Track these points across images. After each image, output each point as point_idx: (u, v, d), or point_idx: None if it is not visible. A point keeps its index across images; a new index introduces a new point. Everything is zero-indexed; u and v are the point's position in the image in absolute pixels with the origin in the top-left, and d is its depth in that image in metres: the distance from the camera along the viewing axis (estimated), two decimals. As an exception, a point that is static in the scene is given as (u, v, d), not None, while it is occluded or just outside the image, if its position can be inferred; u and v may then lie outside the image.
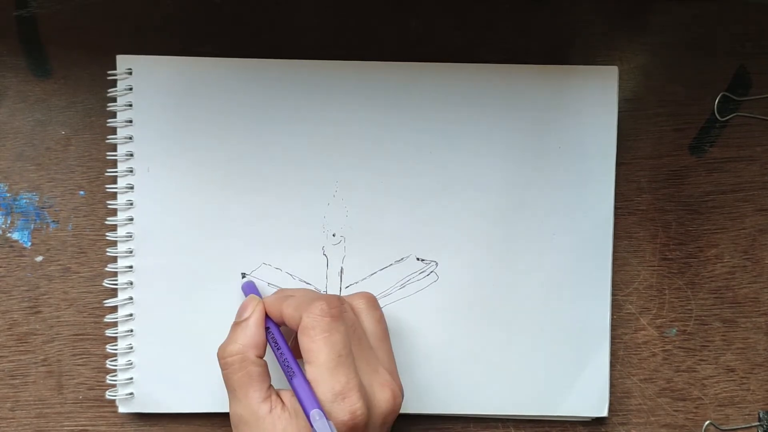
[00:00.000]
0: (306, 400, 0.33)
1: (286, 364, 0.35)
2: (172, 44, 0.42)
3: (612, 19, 0.43)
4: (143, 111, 0.41)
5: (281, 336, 0.37)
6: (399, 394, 0.36)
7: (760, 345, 0.43)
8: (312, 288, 0.41)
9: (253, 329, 0.36)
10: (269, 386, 0.35)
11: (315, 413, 0.32)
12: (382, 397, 0.35)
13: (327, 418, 0.32)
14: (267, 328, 0.37)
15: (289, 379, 0.35)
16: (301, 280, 0.41)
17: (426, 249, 0.41)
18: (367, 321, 0.37)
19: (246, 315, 0.37)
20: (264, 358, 0.36)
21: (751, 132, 0.43)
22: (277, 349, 0.36)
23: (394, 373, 0.37)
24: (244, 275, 0.41)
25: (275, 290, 0.40)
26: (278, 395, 0.35)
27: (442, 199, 0.41)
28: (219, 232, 0.41)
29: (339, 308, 0.35)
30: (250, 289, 0.40)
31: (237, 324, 0.37)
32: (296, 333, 0.35)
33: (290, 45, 0.42)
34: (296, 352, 0.36)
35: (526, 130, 0.41)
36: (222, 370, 0.36)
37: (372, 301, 0.38)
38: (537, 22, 0.43)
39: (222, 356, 0.36)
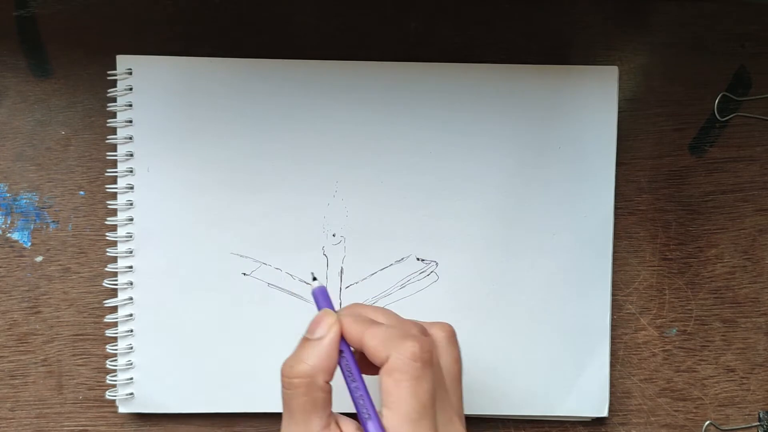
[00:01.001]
0: None
1: (362, 402, 0.32)
2: (172, 44, 0.42)
3: (612, 19, 0.43)
4: (143, 111, 0.41)
5: (357, 367, 0.33)
6: None
7: (760, 345, 0.43)
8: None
9: (326, 352, 0.32)
10: (330, 413, 0.32)
11: None
12: None
13: None
14: (340, 351, 0.33)
15: (363, 419, 0.32)
16: (301, 280, 0.41)
17: (426, 249, 0.41)
18: (445, 358, 0.33)
19: (320, 334, 0.33)
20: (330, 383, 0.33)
21: (751, 132, 0.43)
22: (352, 381, 0.33)
23: (463, 419, 0.34)
24: (315, 278, 0.37)
25: (349, 304, 0.36)
26: (337, 423, 0.32)
27: (442, 199, 0.41)
28: (219, 232, 0.41)
29: (432, 353, 0.32)
30: (322, 297, 0.35)
31: (308, 341, 0.33)
32: (379, 371, 0.32)
33: (290, 45, 0.42)
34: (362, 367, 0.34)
35: (526, 130, 0.41)
36: (283, 388, 0.32)
37: (453, 336, 0.35)
38: (537, 22, 0.43)
39: (288, 374, 0.32)
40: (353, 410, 0.32)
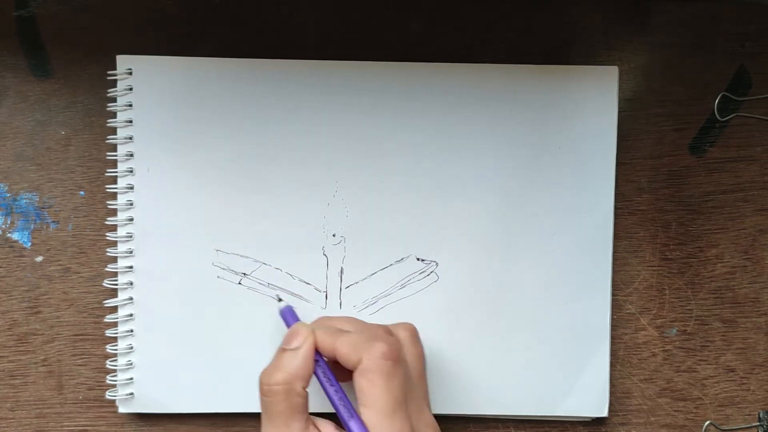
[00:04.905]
0: None
1: (342, 403, 0.35)
2: (172, 44, 0.42)
3: (612, 19, 0.43)
4: (143, 111, 0.41)
5: (332, 373, 0.36)
6: None
7: (760, 345, 0.43)
8: (313, 288, 0.41)
9: (302, 360, 0.35)
10: (308, 417, 0.35)
11: None
12: None
13: None
14: (316, 361, 0.36)
15: (345, 420, 0.34)
16: (301, 280, 0.41)
17: (426, 249, 0.41)
18: (409, 355, 0.37)
19: (295, 344, 0.36)
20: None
21: (751, 132, 0.43)
22: (331, 386, 0.35)
23: (429, 407, 0.37)
24: (280, 299, 0.41)
25: (318, 318, 0.40)
26: (315, 425, 0.35)
27: (442, 199, 0.41)
28: (219, 232, 0.41)
29: (399, 351, 0.34)
30: (291, 314, 0.39)
31: (284, 351, 0.36)
32: (352, 373, 0.35)
33: (290, 45, 0.42)
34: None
35: (526, 130, 0.41)
36: (262, 395, 0.35)
37: (415, 335, 0.38)
38: (537, 22, 0.43)
39: (267, 382, 0.34)
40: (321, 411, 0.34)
